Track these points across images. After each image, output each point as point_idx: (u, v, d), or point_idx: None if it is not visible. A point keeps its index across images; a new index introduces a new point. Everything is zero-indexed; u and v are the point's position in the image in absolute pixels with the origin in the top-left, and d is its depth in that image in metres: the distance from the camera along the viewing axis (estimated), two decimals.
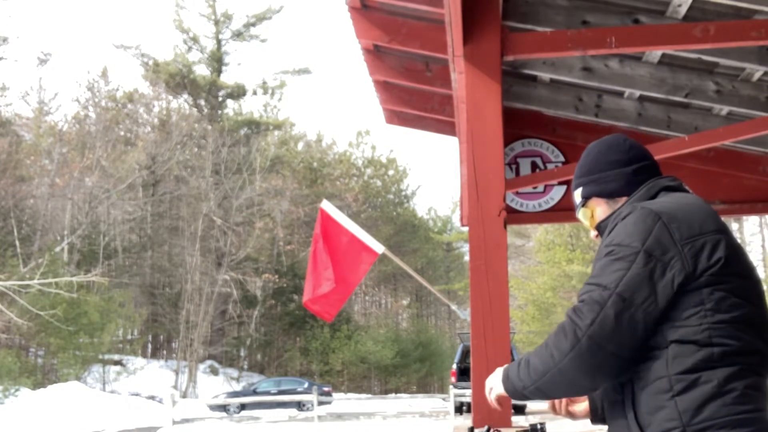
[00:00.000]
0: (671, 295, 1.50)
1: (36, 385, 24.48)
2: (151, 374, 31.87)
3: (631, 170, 1.77)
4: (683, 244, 1.52)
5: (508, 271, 4.09)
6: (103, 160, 33.44)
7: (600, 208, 1.81)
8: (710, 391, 1.45)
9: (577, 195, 1.87)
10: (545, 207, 6.56)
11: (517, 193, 6.48)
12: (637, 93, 5.78)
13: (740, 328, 1.50)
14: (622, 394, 1.59)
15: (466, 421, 6.57)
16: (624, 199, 1.76)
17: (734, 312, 1.50)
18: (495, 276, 3.87)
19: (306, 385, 28.17)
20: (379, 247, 5.94)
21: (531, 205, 6.57)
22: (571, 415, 1.91)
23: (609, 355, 1.49)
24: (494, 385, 1.78)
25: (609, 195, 1.79)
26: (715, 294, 1.50)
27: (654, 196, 1.69)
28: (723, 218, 1.68)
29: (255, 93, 42.39)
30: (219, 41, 41.91)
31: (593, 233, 1.86)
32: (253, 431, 19.19)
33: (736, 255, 1.55)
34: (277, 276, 38.41)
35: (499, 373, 1.77)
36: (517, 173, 6.47)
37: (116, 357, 32.24)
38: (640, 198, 1.70)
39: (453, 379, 21.48)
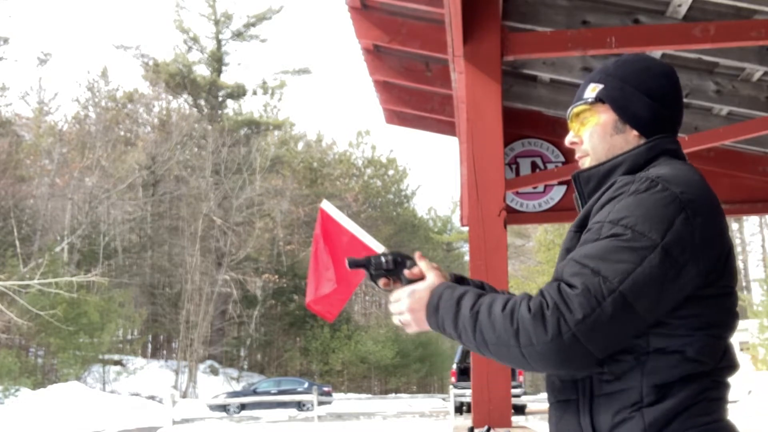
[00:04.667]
0: (676, 301, 1.31)
1: (36, 385, 24.48)
2: (151, 374, 31.88)
3: (662, 113, 1.50)
4: (702, 247, 1.32)
5: (508, 271, 4.09)
6: (103, 160, 33.44)
7: (603, 119, 1.52)
8: (681, 404, 1.31)
9: (592, 90, 1.54)
10: (545, 207, 6.56)
11: (517, 193, 6.48)
12: None
13: (726, 344, 1.38)
14: (576, 394, 1.39)
15: (466, 421, 6.56)
16: (634, 133, 1.49)
17: (726, 326, 1.37)
18: (495, 276, 3.86)
19: (306, 385, 28.16)
20: (379, 248, 5.94)
21: (531, 205, 6.57)
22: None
23: (588, 354, 1.29)
24: (411, 308, 1.48)
25: (626, 117, 1.50)
26: (719, 306, 1.36)
27: (654, 158, 1.46)
28: None
29: (255, 93, 42.44)
30: (219, 41, 41.94)
31: (572, 139, 1.57)
32: (253, 431, 19.18)
33: (734, 263, 1.42)
34: (277, 276, 38.45)
35: (422, 296, 1.46)
36: (517, 173, 6.47)
37: (116, 357, 32.25)
38: (638, 156, 1.46)
39: (453, 379, 21.50)
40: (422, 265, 1.52)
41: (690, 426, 1.31)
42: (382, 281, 1.58)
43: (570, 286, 1.29)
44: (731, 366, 1.38)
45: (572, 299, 1.27)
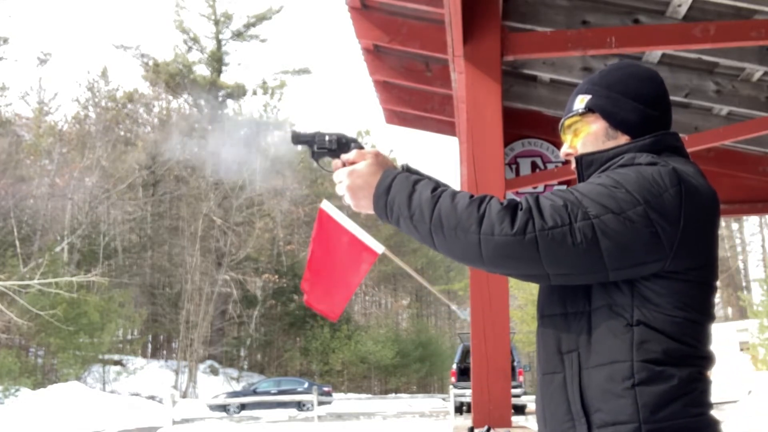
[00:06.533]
0: (639, 265, 1.34)
1: (36, 385, 24.47)
2: (151, 374, 31.87)
3: (651, 114, 1.53)
4: (686, 226, 1.35)
5: None
6: (103, 160, 33.42)
7: (595, 128, 1.55)
8: (674, 389, 1.33)
9: (581, 101, 1.58)
10: None
11: (517, 193, 6.48)
12: None
13: (706, 332, 1.40)
14: (563, 369, 1.42)
15: (466, 421, 6.57)
16: (626, 137, 1.52)
17: (706, 315, 1.40)
18: (495, 276, 3.86)
19: (306, 385, 28.16)
20: (379, 247, 5.95)
21: None
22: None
23: (538, 263, 1.32)
24: (351, 188, 1.49)
25: (616, 123, 1.53)
26: (700, 294, 1.39)
27: (657, 153, 1.47)
28: (723, 219, 1.57)
29: (255, 93, 42.42)
30: (219, 41, 41.92)
31: (567, 150, 1.61)
32: (253, 431, 19.18)
33: (717, 260, 1.44)
34: (277, 276, 38.40)
35: (368, 179, 1.48)
36: (517, 173, 6.47)
37: (116, 357, 32.24)
38: (642, 148, 1.48)
39: (453, 379, 21.49)
40: (359, 151, 1.52)
41: (683, 415, 1.33)
42: (333, 163, 1.57)
43: (550, 200, 1.34)
44: (711, 358, 1.41)
45: (547, 209, 1.32)
